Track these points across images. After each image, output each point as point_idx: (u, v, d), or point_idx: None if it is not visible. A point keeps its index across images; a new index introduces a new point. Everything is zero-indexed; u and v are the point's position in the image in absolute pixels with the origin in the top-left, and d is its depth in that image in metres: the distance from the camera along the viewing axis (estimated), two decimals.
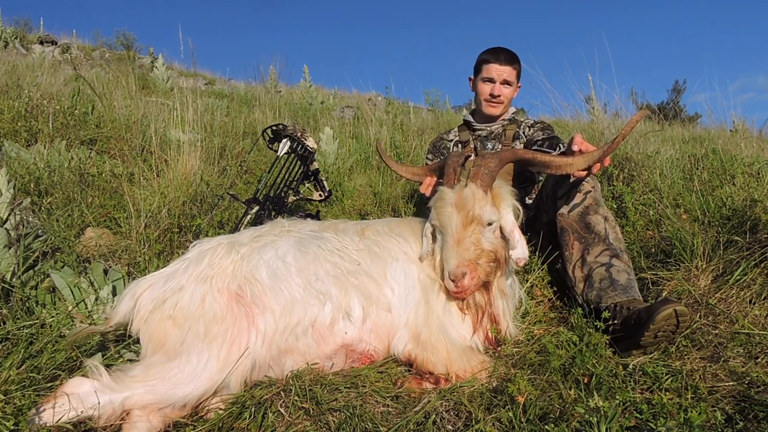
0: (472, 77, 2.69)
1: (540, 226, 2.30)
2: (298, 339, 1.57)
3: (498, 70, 2.53)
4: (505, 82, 2.55)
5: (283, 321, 1.54)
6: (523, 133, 2.63)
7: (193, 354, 1.42)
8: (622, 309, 1.78)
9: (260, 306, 1.53)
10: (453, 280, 1.63)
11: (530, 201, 2.57)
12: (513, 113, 2.69)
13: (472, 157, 1.80)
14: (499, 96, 2.55)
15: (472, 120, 2.72)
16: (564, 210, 2.05)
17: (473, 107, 2.86)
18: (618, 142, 1.72)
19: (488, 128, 2.68)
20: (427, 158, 2.83)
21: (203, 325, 1.45)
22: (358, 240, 1.78)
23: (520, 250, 1.70)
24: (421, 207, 2.44)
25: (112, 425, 1.36)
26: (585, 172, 1.82)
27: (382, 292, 1.69)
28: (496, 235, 1.71)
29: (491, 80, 2.54)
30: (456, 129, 2.81)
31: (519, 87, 2.65)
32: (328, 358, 1.62)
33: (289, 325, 1.54)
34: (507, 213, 1.71)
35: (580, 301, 1.95)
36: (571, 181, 2.06)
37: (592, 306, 1.90)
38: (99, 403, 1.32)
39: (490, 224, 1.68)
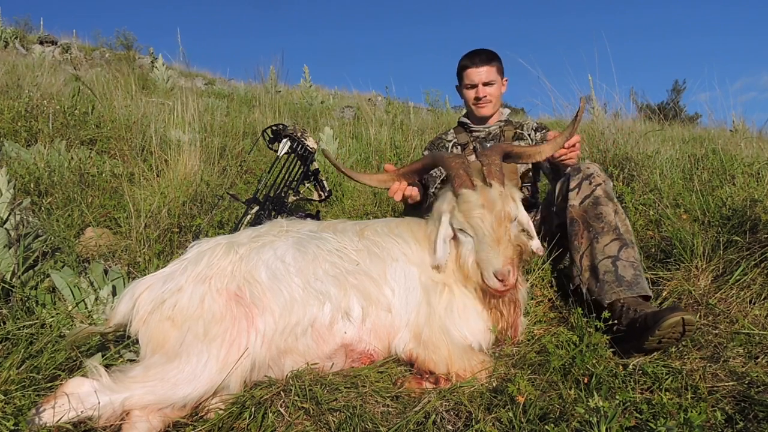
0: (458, 85, 2.69)
1: (546, 232, 2.29)
2: (298, 339, 1.57)
3: (477, 73, 2.54)
4: (487, 83, 2.55)
5: (283, 321, 1.53)
6: (528, 135, 2.63)
7: (193, 355, 1.41)
8: (628, 310, 1.77)
9: (260, 306, 1.53)
10: (501, 280, 1.64)
11: (533, 200, 2.58)
12: (508, 114, 2.70)
13: (472, 158, 1.80)
14: (485, 96, 2.56)
15: (468, 122, 2.72)
16: (575, 201, 2.06)
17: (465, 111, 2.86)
18: (575, 128, 1.92)
19: (486, 129, 2.68)
20: (425, 154, 2.79)
21: (202, 326, 1.45)
22: (357, 240, 1.78)
23: (536, 241, 1.78)
24: (413, 208, 2.42)
25: (112, 425, 1.36)
26: (568, 159, 2.04)
27: (382, 292, 1.69)
28: (518, 229, 1.76)
29: (473, 85, 2.56)
30: (452, 130, 2.80)
31: (506, 81, 2.65)
32: (328, 358, 1.62)
33: (289, 326, 1.54)
34: (521, 206, 1.77)
35: (584, 290, 1.95)
36: (567, 170, 2.12)
37: (594, 297, 1.90)
38: (99, 403, 1.32)
39: (514, 219, 1.72)
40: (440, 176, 2.49)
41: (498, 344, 1.81)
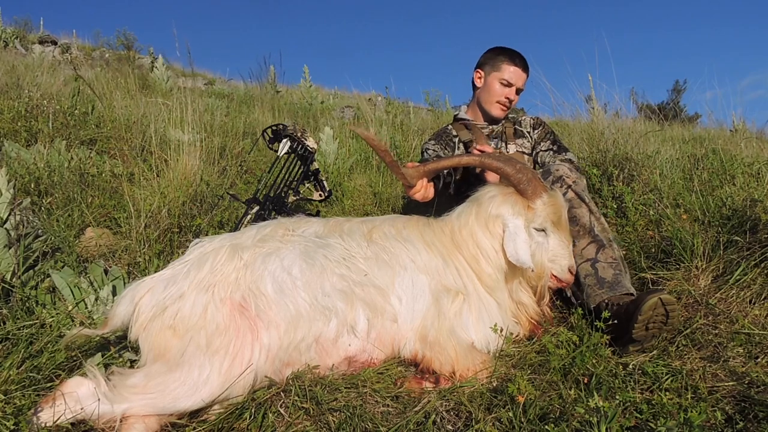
0: (481, 71, 2.59)
1: None
2: (302, 354, 1.54)
3: (519, 76, 2.50)
4: (519, 90, 2.54)
5: (288, 337, 1.50)
6: (527, 132, 2.62)
7: (195, 367, 1.38)
8: (612, 305, 1.80)
9: (265, 320, 1.49)
10: (572, 273, 1.88)
11: None
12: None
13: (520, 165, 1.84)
14: (513, 101, 2.53)
15: (469, 119, 2.69)
16: None
17: (464, 104, 2.79)
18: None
19: (489, 128, 2.66)
20: (429, 144, 2.66)
21: (205, 337, 1.41)
22: (366, 246, 1.75)
23: None
24: (419, 205, 2.36)
25: (110, 427, 1.35)
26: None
27: (389, 302, 1.67)
28: None
29: (510, 84, 2.50)
30: (451, 126, 2.73)
31: None
32: (330, 369, 1.61)
33: (294, 341, 1.51)
34: None
35: (569, 294, 2.01)
36: (548, 179, 2.13)
37: (579, 301, 1.95)
38: (98, 407, 1.31)
39: None
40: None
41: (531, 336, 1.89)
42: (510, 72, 2.49)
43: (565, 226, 1.88)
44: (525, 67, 2.52)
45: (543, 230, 1.84)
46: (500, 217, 1.81)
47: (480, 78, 2.60)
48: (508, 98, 2.52)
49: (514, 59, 2.50)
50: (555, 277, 1.89)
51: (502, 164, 1.83)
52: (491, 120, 2.63)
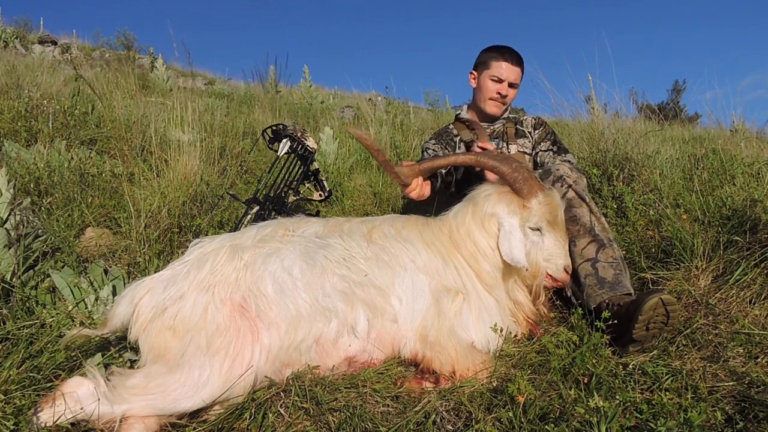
0: (475, 72, 2.60)
1: None
2: (302, 354, 1.54)
3: (510, 70, 2.49)
4: (512, 84, 2.52)
5: (288, 338, 1.50)
6: (529, 133, 2.62)
7: (195, 367, 1.38)
8: (613, 306, 1.80)
9: (265, 321, 1.49)
10: (568, 273, 1.89)
11: None
12: (508, 112, 2.69)
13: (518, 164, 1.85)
14: (506, 96, 2.52)
15: (469, 119, 2.69)
16: None
17: (465, 104, 2.80)
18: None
19: (491, 127, 2.66)
20: (429, 143, 2.68)
21: (205, 338, 1.41)
22: (366, 246, 1.74)
23: None
24: (419, 205, 2.35)
25: (110, 427, 1.35)
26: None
27: (389, 302, 1.66)
28: None
29: (500, 79, 2.49)
30: (452, 126, 2.74)
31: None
32: (330, 369, 1.61)
33: (294, 342, 1.51)
34: None
35: (569, 294, 2.00)
36: (549, 178, 2.12)
37: (579, 301, 1.95)
38: (98, 405, 1.31)
39: None
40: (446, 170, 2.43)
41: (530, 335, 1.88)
42: (501, 68, 2.49)
43: (561, 226, 1.87)
44: (516, 61, 2.50)
45: (538, 229, 1.83)
46: (495, 215, 1.81)
47: (474, 79, 2.62)
48: (500, 93, 2.51)
49: (503, 54, 2.50)
50: (550, 276, 1.89)
51: (498, 163, 1.83)
52: (488, 119, 2.62)
